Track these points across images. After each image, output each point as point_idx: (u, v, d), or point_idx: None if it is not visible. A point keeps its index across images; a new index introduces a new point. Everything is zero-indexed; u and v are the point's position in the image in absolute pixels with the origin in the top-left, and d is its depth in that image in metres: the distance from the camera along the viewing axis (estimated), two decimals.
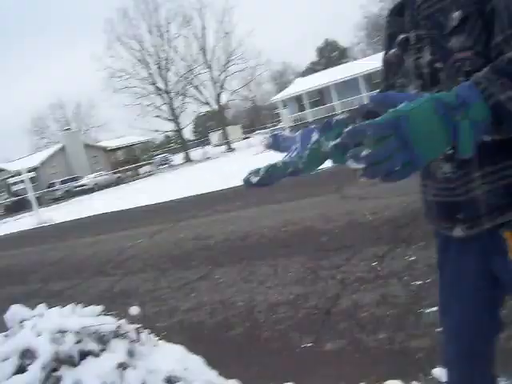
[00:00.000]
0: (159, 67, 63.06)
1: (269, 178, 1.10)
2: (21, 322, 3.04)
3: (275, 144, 1.17)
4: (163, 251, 8.78)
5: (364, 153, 0.91)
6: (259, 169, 1.11)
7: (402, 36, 1.50)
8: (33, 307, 3.37)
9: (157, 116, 63.39)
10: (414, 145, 0.93)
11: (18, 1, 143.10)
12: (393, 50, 1.54)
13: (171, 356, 3.27)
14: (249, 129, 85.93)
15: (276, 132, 1.18)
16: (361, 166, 0.92)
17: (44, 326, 2.92)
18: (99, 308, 3.19)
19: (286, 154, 1.15)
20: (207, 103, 64.36)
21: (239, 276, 6.16)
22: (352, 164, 0.93)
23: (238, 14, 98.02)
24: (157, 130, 65.66)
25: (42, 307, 3.25)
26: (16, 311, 3.14)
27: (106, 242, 11.83)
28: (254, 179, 1.11)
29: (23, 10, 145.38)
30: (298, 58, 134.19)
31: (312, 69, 79.17)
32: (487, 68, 1.08)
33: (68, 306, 3.21)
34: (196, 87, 63.89)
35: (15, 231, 23.54)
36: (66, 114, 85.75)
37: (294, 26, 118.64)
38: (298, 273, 5.69)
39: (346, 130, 0.94)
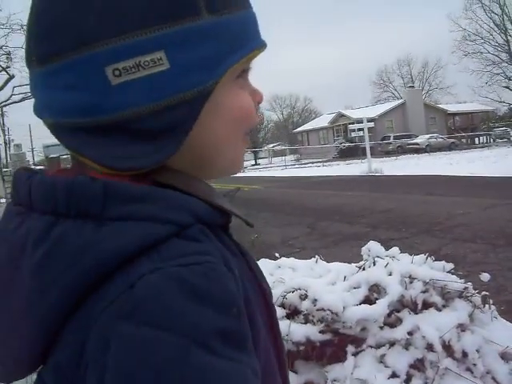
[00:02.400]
0: None
1: None
2: (375, 258, 3.25)
3: None
4: (496, 226, 8.43)
5: None
6: None
7: None
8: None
9: (505, 87, 59.94)
10: None
11: None
12: None
13: (508, 332, 3.19)
14: None
15: None
16: None
17: (396, 267, 3.08)
18: (449, 265, 3.24)
19: None
20: None
21: None
22: None
23: None
24: (502, 102, 62.28)
25: (395, 250, 3.42)
26: (372, 247, 3.36)
27: (435, 203, 11.79)
28: None
29: None
30: None
31: None
32: None
33: (420, 256, 3.32)
34: None
35: (347, 174, 24.85)
36: (412, 71, 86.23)
37: None
38: None
39: None
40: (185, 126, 0.66)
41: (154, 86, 0.64)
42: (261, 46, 0.73)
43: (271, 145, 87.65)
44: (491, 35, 60.12)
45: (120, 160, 0.65)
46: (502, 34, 59.81)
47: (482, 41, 60.30)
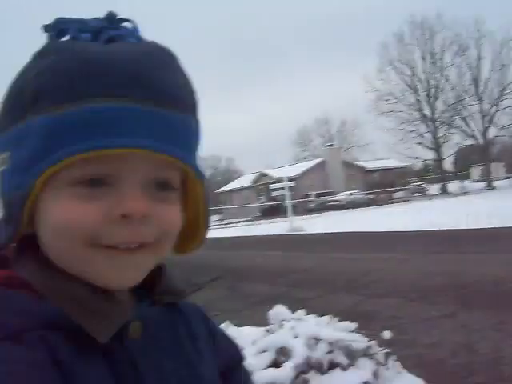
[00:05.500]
0: (428, 95, 62.32)
1: None
2: (281, 322, 3.31)
3: None
4: (409, 280, 8.70)
5: None
6: None
7: None
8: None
9: (418, 143, 62.78)
10: None
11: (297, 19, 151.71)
12: None
13: None
14: None
15: None
16: None
17: (301, 330, 3.15)
18: (353, 325, 3.34)
19: None
20: (472, 136, 61.96)
21: (488, 322, 5.88)
22: None
23: None
24: (416, 158, 65.00)
25: (301, 312, 3.50)
26: (279, 311, 3.43)
27: (354, 260, 12.05)
28: None
29: (302, 26, 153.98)
30: None
31: None
32: None
33: (325, 317, 3.41)
34: (463, 118, 61.88)
35: (269, 234, 25.04)
36: (330, 130, 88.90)
37: None
38: None
39: None
40: (14, 223, 0.68)
41: (1, 181, 0.70)
42: (93, 148, 0.64)
43: None
44: (403, 95, 63.19)
45: None
46: (414, 94, 62.94)
47: (396, 100, 63.19)
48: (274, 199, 51.82)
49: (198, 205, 0.79)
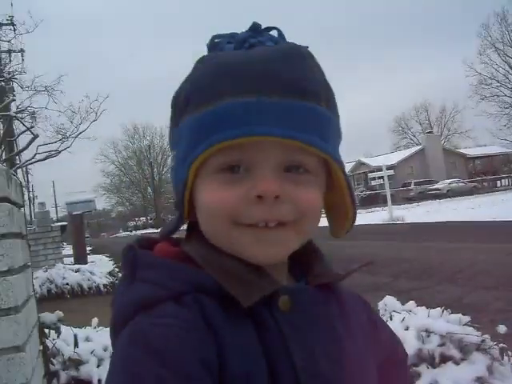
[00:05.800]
0: None
1: None
2: (391, 313, 3.29)
3: None
4: None
5: None
6: None
7: None
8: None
9: None
10: None
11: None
12: None
13: None
14: None
15: None
16: None
17: (412, 322, 3.12)
18: (466, 318, 3.27)
19: None
20: None
21: None
22: None
23: None
24: None
25: (411, 304, 3.46)
26: (388, 302, 3.41)
27: (457, 250, 11.70)
28: None
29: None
30: None
31: None
32: None
33: (436, 309, 3.36)
34: None
35: (368, 223, 24.75)
36: (430, 116, 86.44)
37: None
38: None
39: None
40: (180, 210, 0.84)
41: (172, 176, 0.88)
42: (227, 138, 0.75)
43: None
44: (507, 78, 60.48)
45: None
46: None
47: (499, 84, 60.68)
48: (372, 188, 51.24)
49: (342, 189, 0.85)
